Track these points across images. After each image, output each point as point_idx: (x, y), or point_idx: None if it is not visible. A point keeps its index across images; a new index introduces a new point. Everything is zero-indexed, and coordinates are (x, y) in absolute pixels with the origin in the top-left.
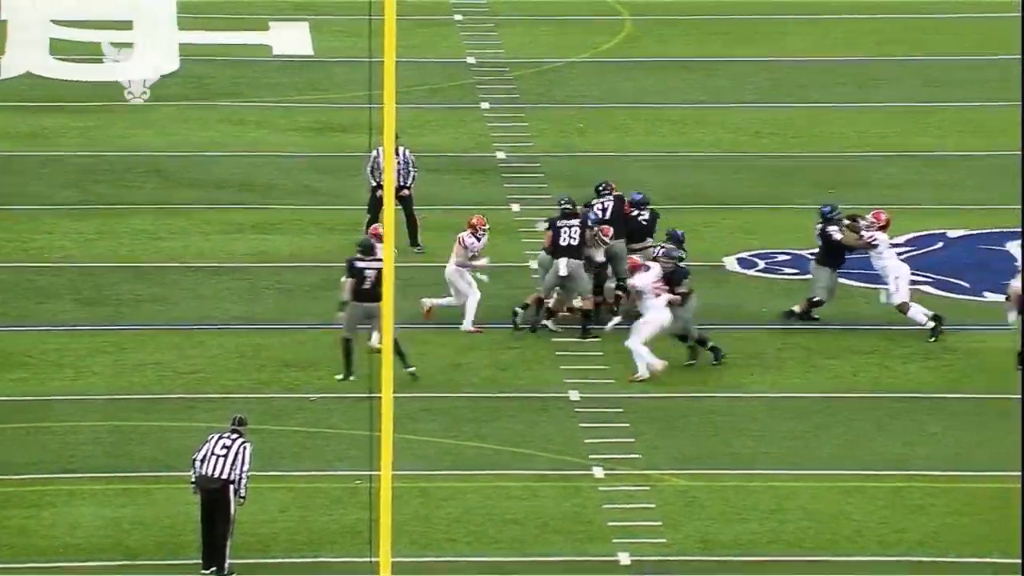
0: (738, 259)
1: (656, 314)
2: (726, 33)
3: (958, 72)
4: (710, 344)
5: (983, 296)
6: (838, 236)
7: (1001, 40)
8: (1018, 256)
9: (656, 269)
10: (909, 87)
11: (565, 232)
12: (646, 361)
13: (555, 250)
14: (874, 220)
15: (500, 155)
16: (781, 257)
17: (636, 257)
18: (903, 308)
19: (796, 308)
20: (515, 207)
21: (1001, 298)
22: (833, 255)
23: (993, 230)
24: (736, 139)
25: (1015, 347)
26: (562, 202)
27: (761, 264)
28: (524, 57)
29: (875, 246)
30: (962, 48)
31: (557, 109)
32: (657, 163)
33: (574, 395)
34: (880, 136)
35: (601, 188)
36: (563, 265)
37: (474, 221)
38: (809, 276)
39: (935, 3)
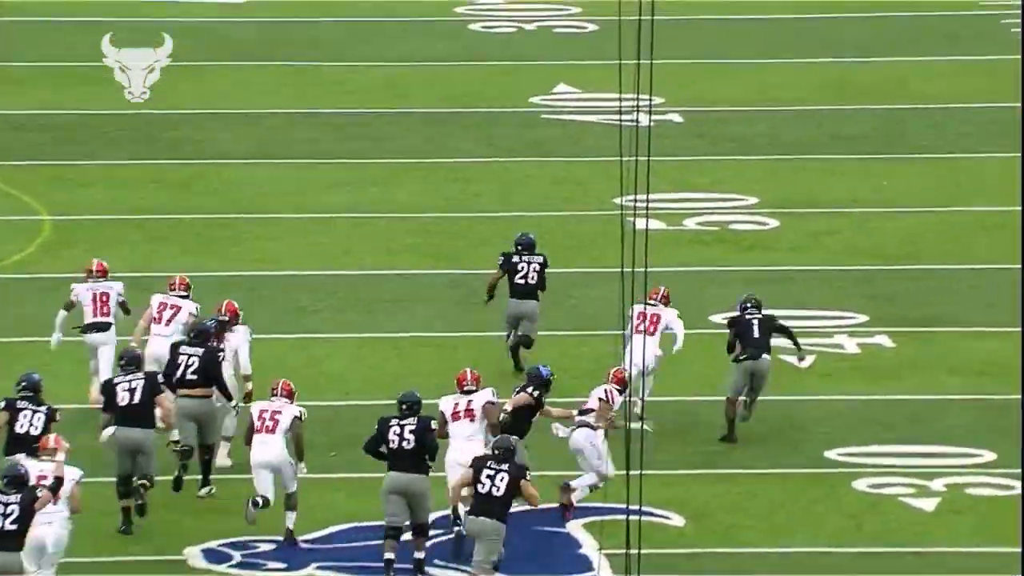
0: (204, 550)
1: None
2: (180, 240)
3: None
4: None
5: None
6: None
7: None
8: (583, 541)
9: None
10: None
11: (123, 387)
12: None
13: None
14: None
15: None
16: (264, 546)
17: None
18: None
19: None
20: None
21: None
22: None
23: (550, 503)
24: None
25: None
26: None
27: (236, 557)
28: None
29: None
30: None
31: None
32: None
33: None
34: None
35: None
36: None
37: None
38: None
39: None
